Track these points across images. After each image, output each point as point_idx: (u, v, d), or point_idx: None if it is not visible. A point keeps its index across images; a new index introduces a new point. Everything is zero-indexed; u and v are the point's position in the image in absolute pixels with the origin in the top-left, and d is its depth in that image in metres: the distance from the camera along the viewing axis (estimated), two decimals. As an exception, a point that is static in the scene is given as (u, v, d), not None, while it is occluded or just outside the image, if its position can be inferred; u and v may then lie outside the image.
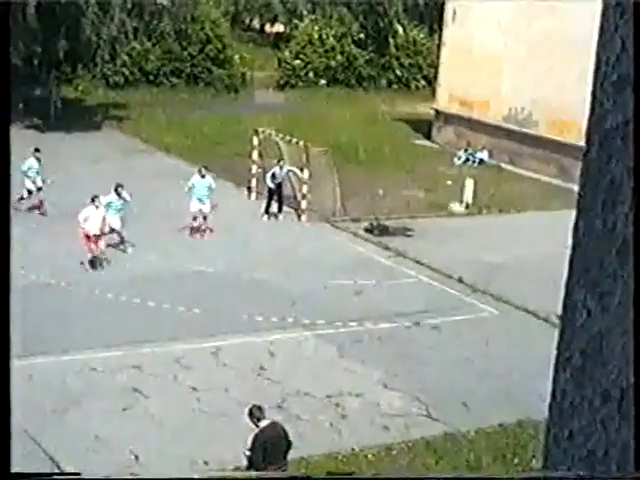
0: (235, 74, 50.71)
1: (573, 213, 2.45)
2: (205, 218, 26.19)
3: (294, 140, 29.84)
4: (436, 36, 49.03)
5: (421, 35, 55.03)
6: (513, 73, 36.91)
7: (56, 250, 23.42)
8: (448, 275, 24.00)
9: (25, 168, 26.50)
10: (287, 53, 53.44)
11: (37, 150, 27.30)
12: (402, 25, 54.46)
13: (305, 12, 55.79)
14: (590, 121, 2.39)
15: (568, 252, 2.46)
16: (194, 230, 26.23)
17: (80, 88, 45.79)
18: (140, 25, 40.86)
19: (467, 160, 37.65)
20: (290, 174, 29.45)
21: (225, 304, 20.86)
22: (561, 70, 33.85)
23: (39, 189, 26.94)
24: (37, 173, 26.93)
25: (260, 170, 30.01)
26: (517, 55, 36.49)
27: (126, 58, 46.25)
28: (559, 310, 2.54)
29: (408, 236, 27.57)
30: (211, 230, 26.30)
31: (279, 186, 28.39)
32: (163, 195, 28.58)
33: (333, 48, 52.85)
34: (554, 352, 2.52)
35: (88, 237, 22.85)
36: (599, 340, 2.30)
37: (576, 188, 2.49)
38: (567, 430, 2.44)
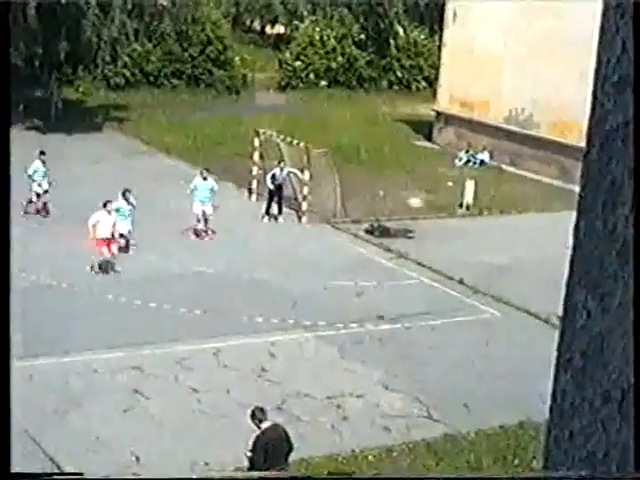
0: (236, 75, 50.69)
1: (574, 214, 2.45)
2: (207, 221, 26.18)
3: (295, 141, 29.84)
4: (437, 37, 49.03)
5: (422, 36, 54.97)
6: (514, 74, 36.90)
7: (57, 251, 23.43)
8: (449, 276, 23.99)
9: (31, 171, 26.52)
10: (288, 54, 53.41)
11: (42, 153, 27.32)
12: (403, 26, 54.44)
13: (306, 13, 55.75)
14: (591, 122, 2.38)
15: (568, 253, 2.46)
16: (197, 232, 26.23)
17: (81, 89, 45.78)
18: (141, 26, 40.83)
19: (468, 161, 37.62)
20: (291, 175, 29.45)
21: (226, 305, 20.85)
22: (562, 71, 33.82)
23: (45, 192, 26.92)
24: (43, 176, 26.92)
25: (261, 171, 30.00)
26: (518, 56, 36.47)
27: (127, 59, 46.22)
28: (560, 311, 2.54)
29: (409, 237, 27.56)
30: (213, 232, 26.30)
31: (279, 187, 28.38)
32: (163, 196, 28.57)
33: (334, 49, 52.83)
34: (555, 353, 2.52)
35: (100, 241, 22.72)
36: (600, 341, 2.30)
37: (577, 189, 2.49)
38: (568, 431, 2.43)
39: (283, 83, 52.77)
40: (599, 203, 2.31)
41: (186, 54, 48.86)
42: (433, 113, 42.08)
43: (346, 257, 25.31)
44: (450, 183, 33.31)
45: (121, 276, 22.72)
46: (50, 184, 27.02)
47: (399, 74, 54.33)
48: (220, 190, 27.09)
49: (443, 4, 41.58)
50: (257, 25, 66.57)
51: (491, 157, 37.79)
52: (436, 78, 43.07)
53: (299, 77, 52.57)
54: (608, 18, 2.30)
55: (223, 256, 24.42)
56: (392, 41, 54.07)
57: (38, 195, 26.84)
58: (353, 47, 53.55)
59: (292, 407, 16.62)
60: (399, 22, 54.25)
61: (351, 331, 20.21)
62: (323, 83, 52.68)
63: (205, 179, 26.46)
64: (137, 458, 14.70)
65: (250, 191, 30.47)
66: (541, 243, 25.45)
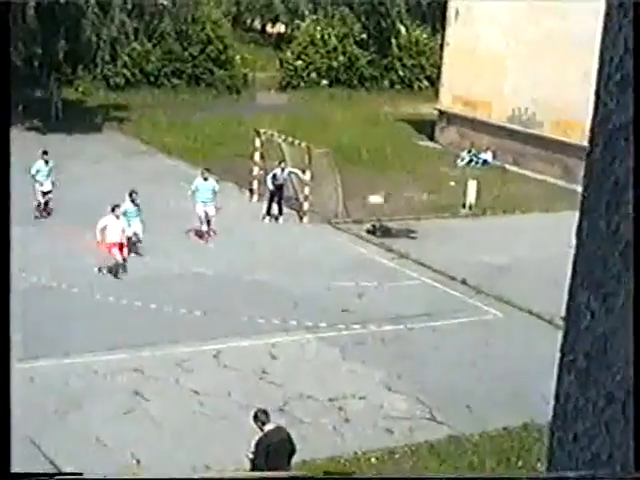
0: (236, 75, 50.69)
1: (577, 214, 2.43)
2: (209, 222, 26.12)
3: (296, 141, 29.82)
4: (439, 36, 49.00)
5: (424, 35, 54.94)
6: (516, 73, 36.86)
7: (57, 251, 23.42)
8: (451, 277, 23.96)
9: (34, 171, 26.49)
10: (289, 54, 53.40)
11: (45, 152, 27.28)
12: (404, 25, 54.42)
13: (307, 12, 55.70)
14: (594, 121, 2.37)
15: (572, 253, 2.44)
16: (199, 233, 26.19)
17: (81, 89, 45.79)
18: (141, 26, 40.86)
19: (470, 161, 37.57)
20: (292, 175, 29.42)
21: (226, 306, 20.84)
22: (565, 70, 33.79)
23: (48, 192, 26.91)
24: (47, 176, 26.90)
25: (262, 171, 29.98)
26: (521, 55, 36.44)
27: (127, 59, 46.21)
28: (563, 312, 2.52)
29: (411, 237, 27.53)
30: (215, 232, 26.27)
31: (280, 188, 28.34)
32: (163, 196, 28.54)
33: (335, 49, 52.82)
34: (558, 354, 2.50)
35: (112, 245, 22.64)
36: (603, 342, 2.29)
37: (580, 189, 2.47)
38: (571, 432, 2.42)
39: (284, 82, 52.76)
40: (602, 203, 2.29)
41: (186, 53, 48.85)
42: (435, 112, 42.06)
43: (347, 257, 25.29)
44: (452, 183, 33.28)
45: (121, 277, 22.70)
46: (53, 184, 27.01)
47: (401, 73, 54.32)
48: (221, 190, 27.08)
49: (445, 3, 41.54)
50: (258, 24, 66.56)
51: (494, 157, 37.74)
52: (438, 77, 43.06)
53: (300, 76, 52.56)
54: (611, 18, 2.29)
55: (224, 257, 24.41)
56: (394, 40, 54.06)
57: (44, 194, 26.83)
58: (354, 46, 53.53)
59: (294, 409, 16.59)
60: (401, 21, 54.24)
61: (353, 332, 20.18)
62: (324, 82, 52.67)
63: (206, 180, 26.41)
64: (137, 460, 14.68)
65: (251, 191, 30.45)
66: (544, 243, 25.41)
